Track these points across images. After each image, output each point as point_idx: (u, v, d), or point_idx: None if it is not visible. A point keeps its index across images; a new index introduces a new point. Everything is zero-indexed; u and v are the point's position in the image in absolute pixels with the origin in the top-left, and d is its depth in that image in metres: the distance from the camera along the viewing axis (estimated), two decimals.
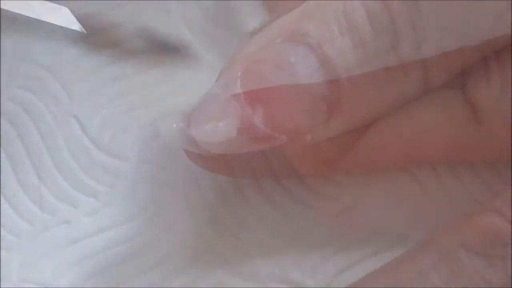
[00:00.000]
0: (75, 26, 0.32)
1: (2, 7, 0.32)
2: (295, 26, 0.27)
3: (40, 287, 0.30)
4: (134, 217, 0.31)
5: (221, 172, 0.30)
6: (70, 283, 0.30)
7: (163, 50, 0.32)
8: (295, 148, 0.28)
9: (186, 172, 0.31)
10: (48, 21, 0.32)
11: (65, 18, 0.32)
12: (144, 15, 0.33)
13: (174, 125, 0.28)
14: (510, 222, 0.26)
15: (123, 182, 0.31)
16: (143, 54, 0.33)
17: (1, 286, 0.30)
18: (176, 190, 0.31)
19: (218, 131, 0.28)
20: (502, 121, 0.28)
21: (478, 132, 0.28)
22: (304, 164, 0.29)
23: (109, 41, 0.33)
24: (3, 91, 0.32)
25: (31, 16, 0.32)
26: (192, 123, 0.27)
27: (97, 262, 0.30)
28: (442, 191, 0.31)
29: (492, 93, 0.28)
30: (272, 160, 0.29)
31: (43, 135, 0.32)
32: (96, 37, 0.33)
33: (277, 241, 0.31)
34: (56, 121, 0.32)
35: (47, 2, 0.32)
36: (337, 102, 0.28)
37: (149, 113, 0.32)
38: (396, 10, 0.27)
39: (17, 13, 0.32)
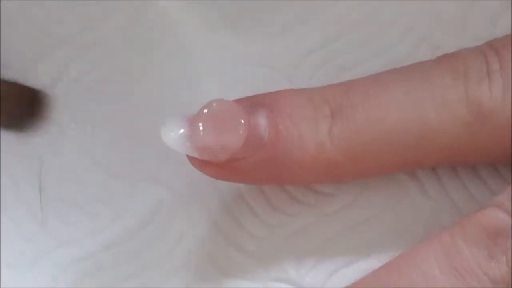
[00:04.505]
0: None
1: (2, 7, 0.33)
2: None
3: None
4: (135, 234, 0.31)
5: (224, 178, 0.29)
6: None
7: None
8: (301, 156, 0.28)
9: (185, 179, 0.32)
10: None
11: None
12: None
13: (172, 133, 0.28)
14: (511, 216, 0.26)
15: (124, 200, 0.32)
16: None
17: None
18: (175, 198, 0.31)
19: (224, 142, 0.28)
20: (505, 122, 0.27)
21: (480, 133, 0.28)
22: (309, 172, 0.29)
23: None
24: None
25: None
26: (199, 132, 0.28)
27: (100, 280, 0.31)
28: (441, 190, 0.30)
29: (494, 94, 0.27)
30: (277, 167, 0.29)
31: (45, 157, 0.32)
32: None
33: (276, 239, 0.31)
34: (57, 141, 0.32)
35: None
36: (339, 107, 0.28)
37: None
38: None
39: None
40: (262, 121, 0.28)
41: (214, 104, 0.28)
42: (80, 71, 0.33)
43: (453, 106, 0.28)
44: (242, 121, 0.27)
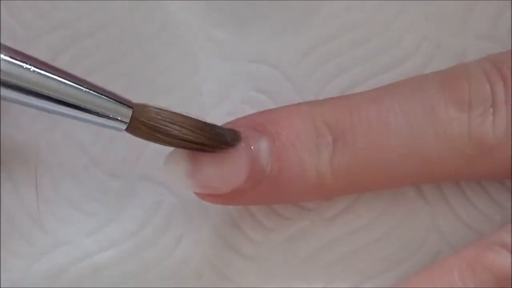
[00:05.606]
0: None
1: (2, 7, 0.32)
2: None
3: None
4: (133, 235, 0.31)
5: (226, 204, 0.30)
6: None
7: None
8: (301, 185, 0.29)
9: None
10: None
11: None
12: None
13: (174, 173, 0.28)
14: None
15: (122, 200, 0.31)
16: None
17: None
18: (174, 199, 0.31)
19: (227, 178, 0.28)
20: (507, 155, 0.28)
21: (481, 165, 0.28)
22: (308, 197, 0.30)
23: None
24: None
25: None
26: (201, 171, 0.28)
27: (98, 281, 0.31)
28: (439, 194, 0.31)
29: (497, 129, 0.28)
30: (276, 195, 0.29)
31: (43, 156, 0.32)
32: None
33: (274, 243, 0.31)
34: (56, 141, 0.32)
35: None
36: (342, 133, 0.28)
37: None
38: None
39: None
40: (264, 152, 0.28)
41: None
42: (72, 57, 0.32)
43: (455, 139, 0.28)
44: (245, 159, 0.28)
